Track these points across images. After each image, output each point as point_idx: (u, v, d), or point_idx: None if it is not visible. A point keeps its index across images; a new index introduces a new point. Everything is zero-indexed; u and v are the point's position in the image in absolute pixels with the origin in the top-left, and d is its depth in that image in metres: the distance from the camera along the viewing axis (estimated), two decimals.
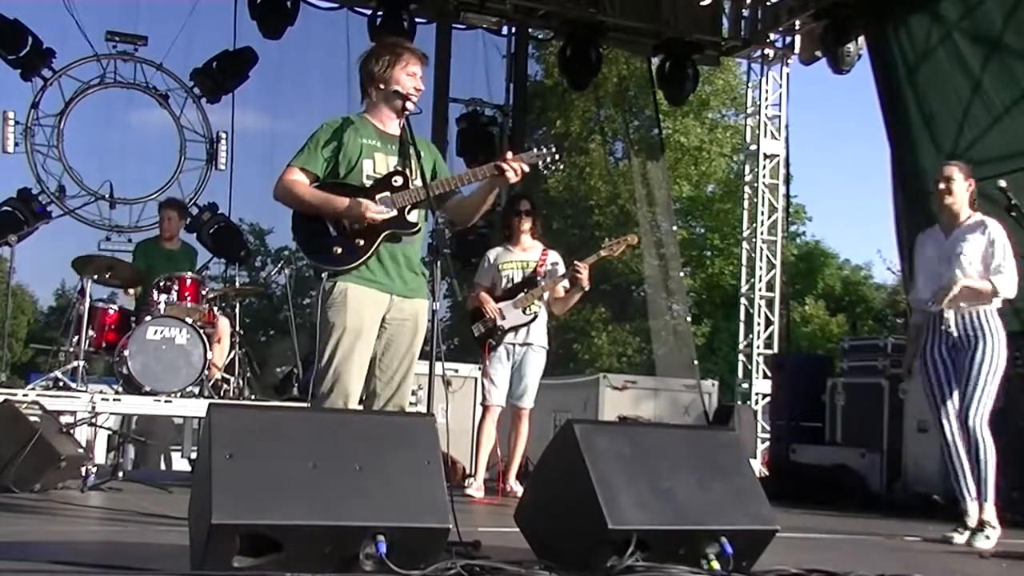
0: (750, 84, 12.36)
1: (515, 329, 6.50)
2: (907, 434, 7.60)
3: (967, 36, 8.91)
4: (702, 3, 10.82)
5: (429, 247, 4.00)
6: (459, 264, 8.47)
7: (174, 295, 6.73)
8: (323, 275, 4.03)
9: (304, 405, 5.94)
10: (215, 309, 7.13)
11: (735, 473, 3.19)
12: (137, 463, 9.51)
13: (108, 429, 7.77)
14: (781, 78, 11.86)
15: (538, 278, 6.53)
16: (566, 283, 6.52)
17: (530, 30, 11.76)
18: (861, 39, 10.37)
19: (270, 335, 22.44)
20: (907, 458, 7.59)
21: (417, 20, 10.31)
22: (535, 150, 4.12)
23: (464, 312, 8.02)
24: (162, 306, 6.58)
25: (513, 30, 11.36)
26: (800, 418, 8.91)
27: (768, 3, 11.38)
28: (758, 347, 11.70)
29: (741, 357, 12.07)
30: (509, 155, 4.03)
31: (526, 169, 4.03)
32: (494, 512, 5.72)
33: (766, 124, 11.89)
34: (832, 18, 10.55)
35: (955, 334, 5.02)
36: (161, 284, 6.76)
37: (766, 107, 11.89)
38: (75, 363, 6.59)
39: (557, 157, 4.09)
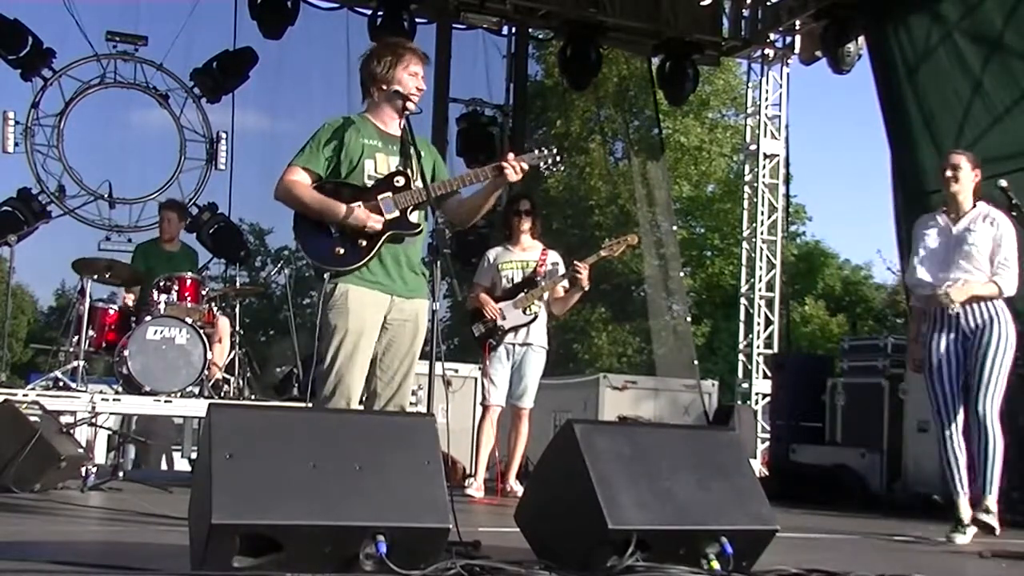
0: (750, 84, 12.37)
1: (515, 329, 6.50)
2: (907, 434, 7.60)
3: (967, 36, 8.91)
4: (702, 3, 10.82)
5: (429, 247, 4.00)
6: (459, 264, 8.45)
7: (174, 295, 6.73)
8: (325, 276, 4.03)
9: (304, 405, 5.95)
10: (215, 309, 7.13)
11: (735, 473, 3.19)
12: (137, 463, 9.51)
13: (108, 429, 7.77)
14: (781, 78, 11.87)
15: (538, 278, 6.53)
16: (566, 283, 6.52)
17: (530, 30, 11.76)
18: (861, 39, 10.37)
19: (270, 335, 22.45)
20: (907, 458, 7.59)
21: (417, 20, 10.32)
22: (536, 151, 4.12)
23: (464, 312, 8.01)
24: (162, 306, 6.58)
25: (513, 30, 11.37)
26: (800, 418, 8.91)
27: (768, 3, 11.38)
28: (758, 347, 11.71)
29: (741, 357, 12.07)
30: (510, 156, 4.03)
31: (526, 168, 4.03)
32: (494, 512, 5.72)
33: (766, 124, 11.89)
34: (832, 18, 10.56)
35: (965, 326, 5.01)
36: (161, 284, 6.76)
37: (766, 107, 11.89)
38: (75, 363, 6.59)
39: (558, 158, 4.10)
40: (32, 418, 5.45)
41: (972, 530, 4.93)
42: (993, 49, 8.66)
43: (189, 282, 6.88)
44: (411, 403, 4.33)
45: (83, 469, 5.58)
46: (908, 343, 5.30)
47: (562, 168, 4.28)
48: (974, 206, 5.14)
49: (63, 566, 2.77)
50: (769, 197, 11.90)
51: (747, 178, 12.50)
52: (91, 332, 6.75)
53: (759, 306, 11.79)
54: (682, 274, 17.68)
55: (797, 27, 11.39)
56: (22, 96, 9.66)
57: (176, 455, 10.16)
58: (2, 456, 5.05)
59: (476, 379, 7.70)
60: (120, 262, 7.46)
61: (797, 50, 11.59)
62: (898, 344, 8.16)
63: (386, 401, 4.09)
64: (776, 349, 11.62)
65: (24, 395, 6.15)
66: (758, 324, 11.77)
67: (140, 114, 11.56)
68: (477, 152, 10.54)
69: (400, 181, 4.04)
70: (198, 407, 6.45)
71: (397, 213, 4.02)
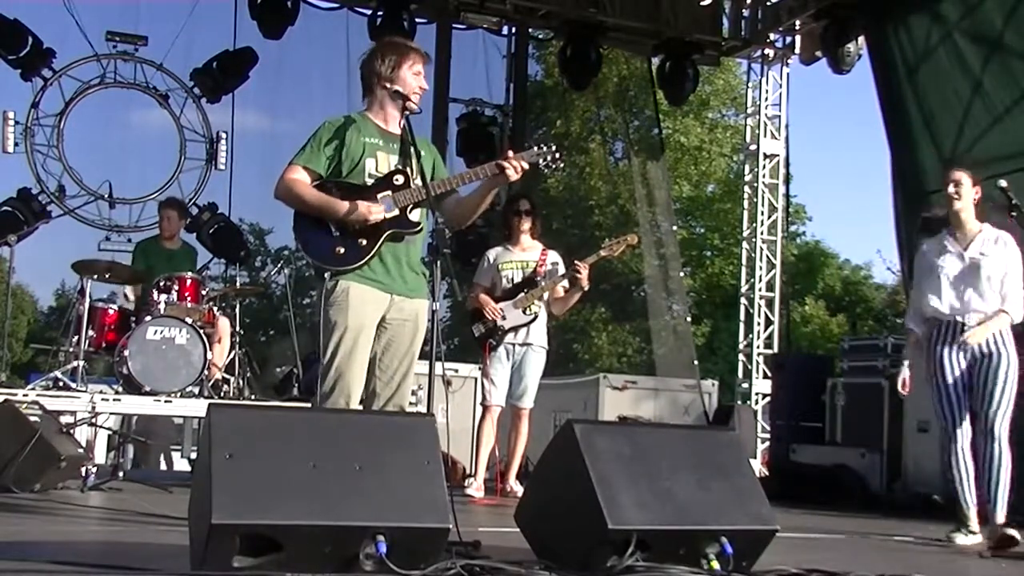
0: (750, 84, 12.37)
1: (515, 329, 6.50)
2: (907, 434, 7.60)
3: (967, 36, 8.91)
4: (702, 3, 10.83)
5: (429, 247, 3.99)
6: (459, 264, 8.45)
7: (174, 295, 6.73)
8: (325, 275, 4.02)
9: (304, 405, 5.95)
10: (215, 309, 7.12)
11: (735, 473, 3.19)
12: (137, 463, 9.51)
13: (108, 429, 7.77)
14: (781, 78, 11.87)
15: (538, 278, 6.53)
16: (566, 283, 6.52)
17: (530, 30, 11.77)
18: (861, 39, 10.38)
19: (270, 335, 22.45)
20: (907, 458, 7.60)
21: (417, 20, 10.32)
22: (536, 149, 4.12)
23: (464, 312, 8.01)
24: (162, 306, 6.58)
25: (513, 30, 11.37)
26: (800, 418, 8.91)
27: (768, 3, 11.38)
28: (758, 347, 11.71)
29: (741, 357, 12.07)
30: (510, 154, 4.03)
31: (526, 166, 4.03)
32: (494, 512, 5.72)
33: (766, 124, 11.89)
34: (832, 18, 10.56)
35: (977, 349, 5.00)
36: (161, 284, 6.76)
37: (766, 107, 11.89)
38: (75, 363, 6.59)
39: (558, 156, 4.09)
40: (32, 418, 5.45)
41: (979, 538, 4.91)
42: (993, 49, 8.66)
43: (189, 282, 6.88)
44: (411, 403, 4.33)
45: (83, 469, 5.58)
46: (900, 368, 5.29)
47: (562, 166, 4.27)
48: (980, 229, 5.11)
49: (63, 566, 2.77)
50: (769, 197, 11.91)
51: (747, 178, 12.50)
52: (91, 332, 6.74)
53: (759, 306, 11.79)
54: (682, 274, 17.68)
55: (797, 27, 11.39)
56: (22, 96, 9.69)
57: (176, 455, 10.16)
58: (2, 456, 5.05)
59: (476, 379, 7.70)
60: (120, 263, 7.47)
61: (797, 50, 11.60)
62: (898, 344, 8.15)
63: (385, 401, 4.08)
64: (776, 349, 11.62)
65: (24, 395, 6.14)
66: (758, 324, 11.77)
67: (140, 114, 11.58)
68: (477, 152, 10.53)
69: (400, 180, 4.04)
70: (198, 407, 6.45)
71: (397, 211, 4.02)
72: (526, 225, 6.66)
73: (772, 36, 11.68)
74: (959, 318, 5.05)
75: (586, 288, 6.46)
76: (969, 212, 5.14)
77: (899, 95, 9.57)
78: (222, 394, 6.97)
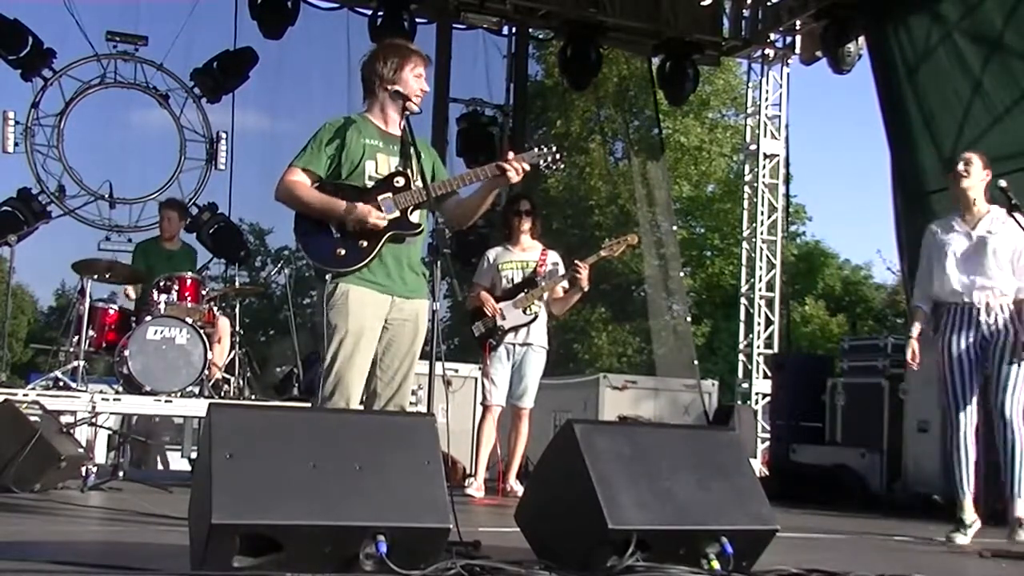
0: (750, 84, 12.37)
1: (515, 329, 6.50)
2: (907, 434, 7.60)
3: (967, 36, 8.91)
4: (702, 3, 10.83)
5: (429, 247, 3.99)
6: (459, 264, 8.45)
7: (174, 295, 6.73)
8: (326, 276, 4.02)
9: (304, 405, 5.95)
10: (215, 309, 7.12)
11: (735, 473, 3.19)
12: (137, 463, 9.50)
13: (108, 429, 7.77)
14: (781, 78, 11.87)
15: (538, 278, 6.53)
16: (565, 283, 6.52)
17: (530, 30, 11.76)
18: (861, 39, 10.37)
19: (270, 335, 22.45)
20: (907, 458, 7.59)
21: (417, 20, 10.32)
22: (536, 150, 4.12)
23: (464, 312, 8.02)
24: (162, 306, 6.58)
25: (513, 30, 11.37)
26: (800, 418, 8.91)
27: (768, 3, 11.38)
28: (758, 347, 11.71)
29: (741, 357, 12.07)
30: (511, 155, 4.03)
31: (527, 168, 4.03)
32: (494, 512, 5.72)
33: (766, 124, 11.89)
34: (832, 18, 10.55)
35: (985, 327, 5.00)
36: (161, 284, 6.76)
37: (766, 107, 11.89)
38: (75, 363, 6.59)
39: (558, 157, 4.09)
40: (32, 418, 5.45)
41: (973, 530, 4.93)
42: (993, 49, 8.66)
43: (189, 282, 6.88)
44: (411, 403, 4.33)
45: (83, 469, 5.58)
46: (909, 340, 5.26)
47: (562, 167, 4.28)
48: (988, 210, 5.12)
49: (63, 566, 2.77)
50: (769, 197, 11.90)
51: (747, 178, 12.50)
52: (91, 332, 6.75)
53: (759, 306, 11.79)
54: (682, 274, 17.68)
55: (797, 27, 11.39)
56: (22, 96, 9.69)
57: (175, 455, 10.15)
58: (2, 456, 5.05)
59: (476, 379, 7.70)
60: (120, 263, 7.47)
61: (797, 50, 11.59)
62: (898, 344, 8.15)
63: (386, 401, 4.08)
64: (776, 349, 11.62)
65: (24, 395, 6.14)
66: (758, 324, 11.77)
67: (140, 114, 11.58)
68: (477, 152, 10.53)
69: (400, 181, 4.04)
70: (198, 407, 6.45)
71: (398, 213, 4.02)
72: (526, 225, 6.66)
73: (772, 36, 11.67)
74: (967, 298, 5.04)
75: (586, 288, 6.46)
76: (978, 192, 5.14)
77: (899, 95, 9.57)
78: (222, 394, 6.98)
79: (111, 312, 6.95)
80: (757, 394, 11.59)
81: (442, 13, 10.77)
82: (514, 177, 3.98)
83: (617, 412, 9.13)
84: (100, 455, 7.95)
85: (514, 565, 2.88)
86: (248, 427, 2.73)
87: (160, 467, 10.01)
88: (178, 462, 9.88)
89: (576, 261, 6.40)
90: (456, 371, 8.23)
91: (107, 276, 7.13)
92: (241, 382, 7.35)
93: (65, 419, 5.99)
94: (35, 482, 5.13)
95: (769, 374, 11.01)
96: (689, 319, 15.49)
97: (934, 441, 7.20)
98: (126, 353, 6.40)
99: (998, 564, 4.31)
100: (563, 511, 3.10)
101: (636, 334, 22.42)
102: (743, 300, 12.24)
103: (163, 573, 2.80)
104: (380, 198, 4.00)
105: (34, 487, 5.11)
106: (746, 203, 12.47)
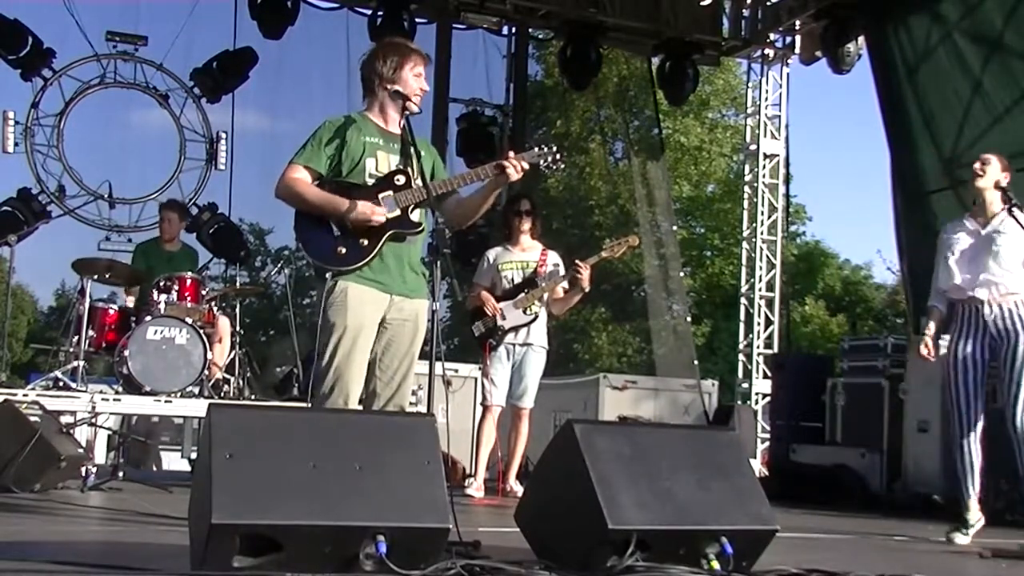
0: (750, 84, 12.37)
1: (515, 329, 6.50)
2: (907, 434, 7.60)
3: (967, 36, 8.91)
4: (702, 3, 10.83)
5: (429, 247, 3.99)
6: (459, 264, 8.45)
7: (174, 295, 6.73)
8: (326, 275, 4.02)
9: (304, 405, 5.94)
10: (215, 309, 7.12)
11: (735, 473, 3.19)
12: (137, 463, 9.50)
13: (108, 429, 7.77)
14: (781, 78, 11.87)
15: (538, 279, 6.53)
16: (565, 284, 6.52)
17: (530, 30, 11.76)
18: (861, 39, 10.37)
19: (270, 335, 22.44)
20: (907, 458, 7.59)
21: (417, 20, 10.32)
22: (536, 149, 4.12)
23: (464, 312, 8.01)
24: (162, 306, 6.58)
25: (513, 30, 11.37)
26: (800, 418, 8.91)
27: (768, 3, 11.38)
28: (758, 347, 11.71)
29: (741, 357, 12.07)
30: (511, 154, 4.03)
31: (526, 166, 4.03)
32: (494, 512, 5.72)
33: (766, 124, 11.89)
34: (832, 18, 10.55)
35: (993, 327, 4.99)
36: (161, 284, 6.76)
37: (766, 107, 11.89)
38: (75, 363, 6.59)
39: (558, 157, 4.09)
40: (32, 418, 5.45)
41: (975, 530, 4.93)
42: (993, 49, 8.66)
43: (189, 282, 6.88)
44: (411, 403, 4.33)
45: (83, 469, 5.58)
46: (923, 338, 5.23)
47: (562, 167, 4.28)
48: (1002, 209, 5.08)
49: (63, 566, 2.77)
50: (769, 197, 11.90)
51: (747, 178, 12.50)
52: (91, 332, 6.74)
53: (759, 306, 11.79)
54: (682, 274, 17.68)
55: (797, 27, 11.39)
56: (22, 96, 9.68)
57: (176, 455, 10.15)
58: (2, 456, 5.05)
59: (476, 379, 7.70)
60: (120, 262, 7.47)
61: (797, 50, 11.59)
62: (898, 344, 8.16)
63: (386, 401, 4.08)
64: (776, 349, 11.62)
65: (24, 395, 6.14)
66: (758, 324, 11.77)
67: (140, 114, 11.57)
68: (477, 152, 10.53)
69: (400, 180, 4.04)
70: (198, 407, 6.45)
71: (398, 212, 4.02)
72: (526, 225, 6.66)
73: (772, 36, 11.67)
74: (969, 292, 5.04)
75: (587, 289, 6.46)
76: (992, 193, 5.12)
77: (899, 95, 9.58)
78: (222, 394, 6.97)
79: (111, 312, 6.95)
80: (757, 394, 11.59)
81: (442, 13, 10.77)
82: (514, 175, 3.98)
83: (617, 412, 9.13)
84: (100, 455, 7.95)
85: (514, 565, 2.88)
86: (248, 427, 2.73)
87: (153, 468, 10.00)
88: (178, 462, 9.88)
89: (577, 262, 6.41)
90: (456, 371, 8.23)
91: (107, 276, 7.13)
92: (241, 382, 7.34)
93: (65, 419, 5.98)
94: (35, 482, 5.13)
95: (769, 374, 11.01)
96: (689, 319, 15.50)
97: (934, 441, 7.21)
98: (126, 353, 6.40)
99: (998, 564, 4.31)
100: (563, 511, 3.10)
101: (636, 334, 22.42)
102: (743, 300, 12.24)
103: (163, 573, 2.80)
104: (381, 196, 4.00)
105: (34, 487, 5.11)
106: (746, 203, 12.47)
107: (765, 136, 11.89)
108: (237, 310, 7.64)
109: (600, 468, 2.97)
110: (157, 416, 8.82)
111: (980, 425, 5.01)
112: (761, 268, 11.82)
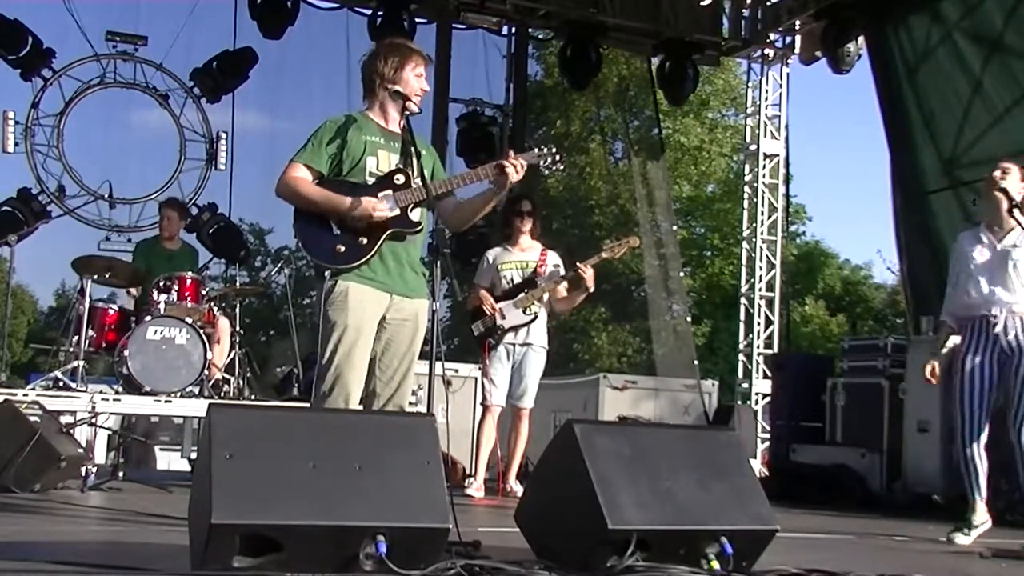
0: (750, 84, 12.37)
1: (515, 329, 6.51)
2: (907, 434, 7.60)
3: (967, 36, 8.92)
4: (702, 3, 10.83)
5: (429, 247, 3.99)
6: (459, 264, 8.46)
7: (174, 295, 6.73)
8: (326, 274, 4.02)
9: (304, 405, 5.94)
10: (215, 309, 7.12)
11: (735, 473, 3.19)
12: (136, 463, 9.51)
13: (108, 429, 7.77)
14: (781, 78, 11.87)
15: (538, 279, 6.53)
16: (565, 284, 6.52)
17: (530, 30, 11.76)
18: (861, 39, 10.37)
19: (270, 335, 22.43)
20: (907, 458, 7.60)
21: (417, 20, 10.32)
22: (536, 150, 4.13)
23: (464, 312, 8.02)
24: (162, 306, 6.58)
25: (513, 30, 11.37)
26: (800, 418, 8.91)
27: (768, 3, 11.38)
28: (758, 347, 11.70)
29: (741, 357, 12.07)
30: (511, 154, 4.03)
31: (526, 166, 4.03)
32: (494, 512, 5.72)
33: (766, 124, 11.89)
34: (832, 18, 10.56)
35: (1003, 341, 4.98)
36: (161, 284, 6.75)
37: (766, 107, 11.89)
38: (75, 363, 6.58)
39: (558, 157, 4.10)
40: (32, 418, 5.45)
41: (979, 531, 4.92)
42: (993, 49, 8.67)
43: (189, 282, 6.88)
44: (411, 403, 4.33)
45: (83, 469, 5.58)
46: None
47: (562, 167, 4.27)
48: (1008, 213, 5.03)
49: (63, 566, 2.77)
50: (769, 197, 11.90)
51: (747, 178, 12.49)
52: (91, 332, 6.74)
53: (759, 306, 11.79)
54: (682, 274, 17.67)
55: (797, 27, 11.38)
56: (22, 96, 9.68)
57: (175, 455, 10.16)
58: (2, 456, 5.05)
59: (476, 379, 7.70)
60: (120, 261, 7.46)
61: (797, 50, 11.59)
62: (898, 344, 8.16)
63: (385, 401, 4.08)
64: (776, 349, 11.62)
65: (24, 395, 6.14)
66: (758, 324, 11.77)
67: (140, 114, 11.57)
68: (477, 152, 10.54)
69: (400, 179, 4.04)
70: (198, 407, 6.45)
71: (398, 211, 4.02)
72: (527, 226, 6.66)
73: (772, 36, 11.67)
74: (984, 310, 5.01)
75: (591, 289, 6.46)
76: (1006, 203, 5.08)
77: (899, 95, 9.58)
78: (222, 394, 6.97)
79: (111, 312, 6.95)
80: (757, 394, 11.59)
81: (442, 13, 10.77)
82: (514, 176, 3.98)
83: (617, 412, 9.12)
84: (100, 455, 7.96)
85: (514, 565, 2.88)
86: (248, 427, 2.73)
87: (148, 467, 10.01)
88: (178, 462, 9.89)
89: (577, 263, 6.41)
90: (456, 371, 8.22)
91: (107, 275, 7.12)
92: (241, 382, 7.34)
93: (65, 419, 5.98)
94: (35, 482, 5.13)
95: (769, 374, 11.01)
96: (689, 319, 15.50)
97: (934, 441, 7.21)
98: (126, 353, 6.39)
99: (998, 564, 4.31)
100: (563, 511, 3.10)
101: (636, 334, 22.41)
102: (743, 300, 12.24)
103: (163, 573, 2.80)
104: (381, 195, 4.00)
105: (34, 487, 5.11)
106: (746, 203, 12.47)
107: (765, 136, 11.89)
108: (237, 310, 7.63)
109: (600, 468, 2.97)
110: (157, 416, 8.81)
111: (985, 435, 5.00)
112: (761, 268, 11.82)
